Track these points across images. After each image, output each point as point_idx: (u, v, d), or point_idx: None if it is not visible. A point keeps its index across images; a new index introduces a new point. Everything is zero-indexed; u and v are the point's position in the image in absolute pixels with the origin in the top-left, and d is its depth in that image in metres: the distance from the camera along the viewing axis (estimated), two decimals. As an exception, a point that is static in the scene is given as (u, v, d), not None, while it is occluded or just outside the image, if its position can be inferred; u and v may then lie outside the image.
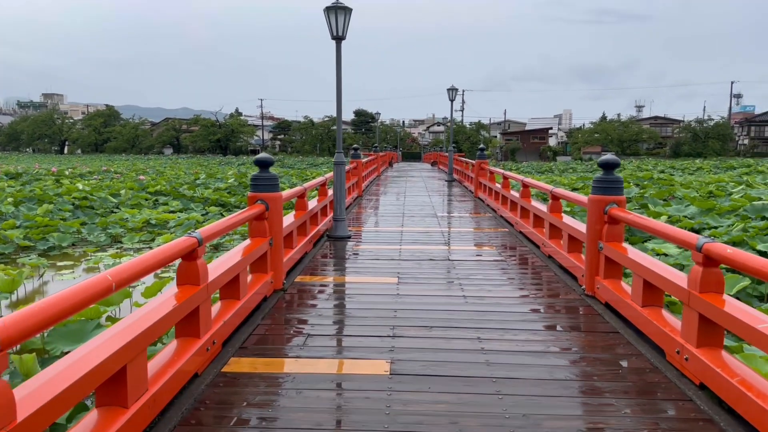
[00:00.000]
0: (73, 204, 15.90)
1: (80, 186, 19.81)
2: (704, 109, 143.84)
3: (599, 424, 2.91)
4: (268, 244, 5.21)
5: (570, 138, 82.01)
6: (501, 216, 10.99)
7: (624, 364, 3.74)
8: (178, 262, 3.51)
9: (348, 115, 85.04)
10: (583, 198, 5.99)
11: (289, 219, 6.52)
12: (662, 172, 32.29)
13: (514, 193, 9.88)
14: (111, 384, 2.54)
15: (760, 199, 13.89)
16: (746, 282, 6.62)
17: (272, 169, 5.57)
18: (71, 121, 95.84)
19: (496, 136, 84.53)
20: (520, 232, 8.94)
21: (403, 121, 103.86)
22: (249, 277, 4.90)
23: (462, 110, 79.63)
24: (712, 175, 29.26)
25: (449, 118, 24.73)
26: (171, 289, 3.47)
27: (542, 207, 7.88)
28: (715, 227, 11.04)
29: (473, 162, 16.47)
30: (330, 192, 9.27)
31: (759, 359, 3.99)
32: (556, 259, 6.69)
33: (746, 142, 75.93)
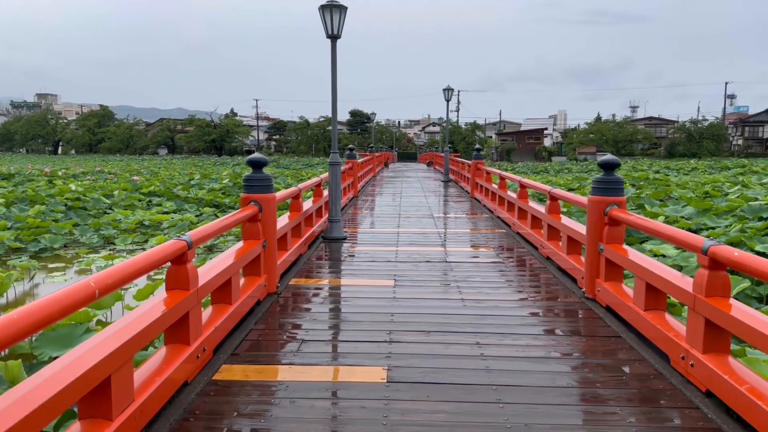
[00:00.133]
0: (65, 205, 15.73)
1: (73, 187, 19.63)
2: (698, 110, 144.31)
3: (604, 434, 2.81)
4: (261, 247, 5.09)
5: (565, 138, 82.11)
6: (498, 217, 10.90)
7: (627, 369, 3.64)
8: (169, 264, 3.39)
9: (343, 116, 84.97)
10: (582, 199, 5.90)
11: (283, 220, 6.40)
12: (657, 172, 32.31)
13: (512, 194, 9.78)
14: (94, 395, 2.42)
15: (756, 199, 13.86)
16: (746, 284, 6.55)
17: (267, 170, 5.46)
18: (65, 121, 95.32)
19: (491, 137, 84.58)
20: (518, 233, 8.84)
21: (399, 122, 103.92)
22: (242, 281, 4.78)
23: (458, 110, 79.78)
24: (708, 175, 29.30)
25: (445, 119, 24.66)
26: (160, 294, 3.35)
27: (540, 208, 7.78)
28: (713, 228, 10.98)
29: (469, 162, 16.38)
30: (325, 193, 9.15)
31: (762, 363, 3.90)
32: (555, 260, 6.59)
33: (740, 142, 76.22)
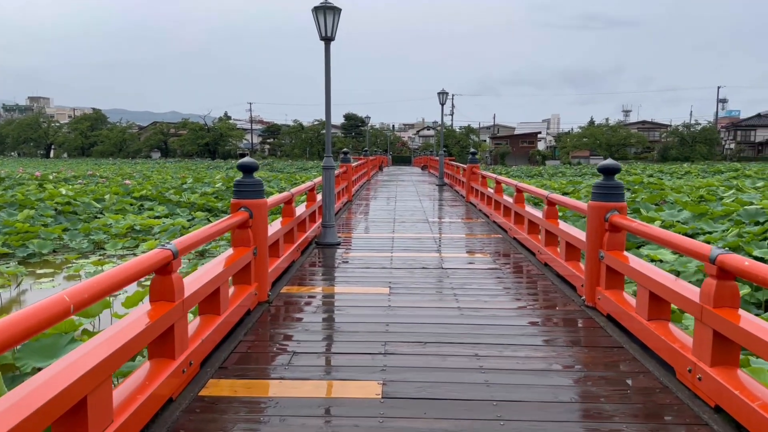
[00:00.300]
0: (55, 209, 15.49)
1: (63, 191, 19.37)
2: (691, 114, 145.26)
3: (611, 454, 2.67)
4: (252, 254, 4.93)
5: (559, 142, 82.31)
6: (494, 221, 10.77)
7: (631, 383, 3.51)
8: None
9: (338, 119, 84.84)
10: (582, 205, 5.77)
11: (275, 226, 6.24)
12: (651, 176, 32.31)
13: (508, 199, 9.65)
14: (68, 418, 2.25)
15: (752, 203, 13.82)
16: (746, 290, 6.45)
17: (261, 173, 5.30)
18: (57, 124, 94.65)
19: (485, 140, 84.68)
20: (515, 239, 8.71)
21: (393, 125, 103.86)
22: (231, 290, 4.62)
23: (452, 114, 79.72)
24: (701, 179, 29.34)
25: (439, 122, 24.56)
26: (143, 306, 3.19)
27: (537, 213, 7.65)
28: (710, 232, 10.91)
29: (464, 166, 16.27)
30: (319, 197, 8.99)
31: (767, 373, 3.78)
32: (553, 267, 6.46)
33: (732, 146, 76.60)
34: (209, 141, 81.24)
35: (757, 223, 11.24)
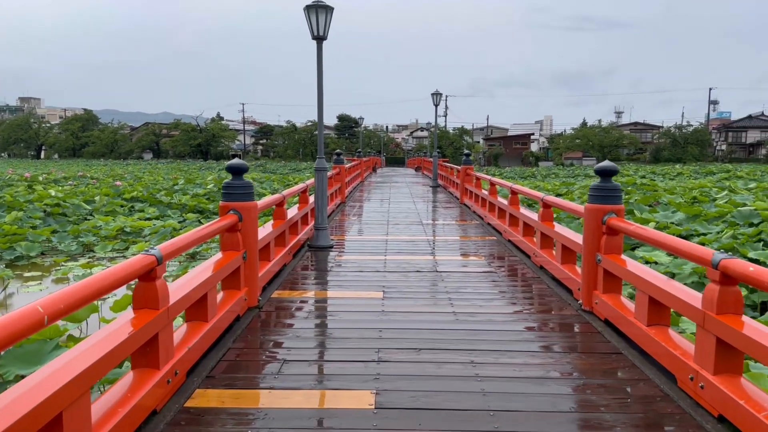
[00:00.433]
0: (44, 211, 15.26)
1: (53, 192, 19.11)
2: (683, 115, 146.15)
3: (613, 467, 2.57)
4: (241, 258, 4.80)
5: (551, 143, 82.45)
6: (488, 224, 10.68)
7: (631, 390, 3.41)
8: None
9: (331, 120, 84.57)
10: (579, 207, 5.69)
11: (266, 229, 6.11)
12: (644, 177, 32.37)
13: (502, 200, 9.56)
14: (43, 435, 2.12)
15: (745, 204, 13.80)
16: (742, 292, 6.38)
17: (253, 174, 5.18)
18: (48, 125, 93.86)
19: (479, 142, 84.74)
20: (509, 241, 8.62)
21: (387, 127, 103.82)
22: (220, 295, 4.49)
23: (446, 115, 79.79)
24: (693, 180, 29.41)
25: (433, 124, 24.49)
26: (126, 314, 3.06)
27: (532, 215, 7.56)
28: (704, 234, 10.87)
29: (458, 167, 16.19)
30: (311, 199, 8.87)
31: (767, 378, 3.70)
32: (549, 270, 6.37)
33: (724, 147, 77.02)
34: (201, 142, 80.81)
35: (751, 225, 11.21)
